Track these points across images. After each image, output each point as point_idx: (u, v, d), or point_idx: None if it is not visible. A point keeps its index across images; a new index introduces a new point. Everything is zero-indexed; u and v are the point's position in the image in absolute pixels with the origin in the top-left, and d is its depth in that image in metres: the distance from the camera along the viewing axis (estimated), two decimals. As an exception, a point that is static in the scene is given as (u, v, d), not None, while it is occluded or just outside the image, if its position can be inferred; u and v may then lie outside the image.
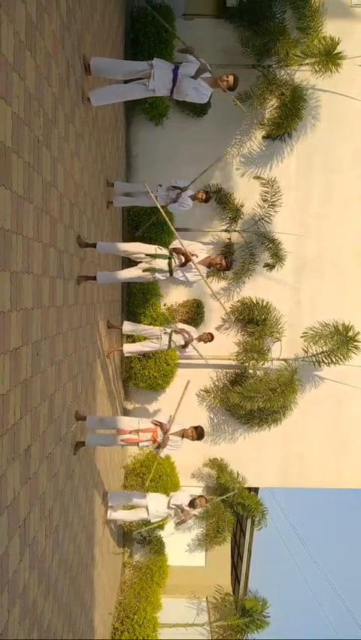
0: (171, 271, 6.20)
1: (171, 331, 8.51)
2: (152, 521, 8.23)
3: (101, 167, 6.77)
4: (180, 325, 8.75)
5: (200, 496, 7.91)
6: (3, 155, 2.83)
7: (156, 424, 6.46)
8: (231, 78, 5.48)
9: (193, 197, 8.03)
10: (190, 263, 6.19)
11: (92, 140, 5.93)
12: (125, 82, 5.73)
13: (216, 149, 11.14)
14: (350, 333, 10.60)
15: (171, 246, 6.36)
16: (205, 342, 8.71)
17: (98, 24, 6.23)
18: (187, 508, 7.80)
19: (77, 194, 5.06)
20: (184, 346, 8.56)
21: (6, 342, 2.99)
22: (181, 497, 7.99)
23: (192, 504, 7.81)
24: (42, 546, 3.93)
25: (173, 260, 6.18)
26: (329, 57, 10.24)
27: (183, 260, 6.17)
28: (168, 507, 7.98)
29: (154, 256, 6.12)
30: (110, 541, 8.94)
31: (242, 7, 10.56)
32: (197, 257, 6.32)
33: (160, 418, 6.58)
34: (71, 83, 4.58)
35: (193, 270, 6.33)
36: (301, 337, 10.85)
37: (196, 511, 8.07)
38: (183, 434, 6.55)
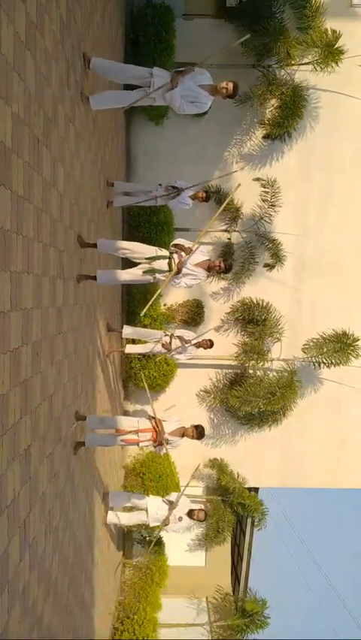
0: (171, 270, 6.18)
1: (171, 334, 8.49)
2: (151, 525, 8.15)
3: (101, 167, 6.77)
4: (178, 332, 8.69)
5: (200, 510, 7.79)
6: (3, 155, 2.83)
7: (153, 421, 6.43)
8: (230, 85, 5.40)
9: (193, 197, 8.02)
10: (184, 269, 6.14)
11: (92, 140, 5.93)
12: (125, 86, 5.73)
13: (216, 149, 11.15)
14: (350, 340, 10.61)
15: (173, 242, 6.33)
16: (205, 348, 8.66)
17: (98, 24, 6.23)
18: (178, 512, 7.71)
19: (77, 194, 5.05)
20: (168, 350, 8.49)
21: (6, 342, 2.99)
22: (180, 499, 7.88)
23: (190, 514, 7.72)
24: (42, 546, 3.92)
25: (173, 260, 6.16)
26: (330, 49, 10.21)
27: (177, 269, 6.12)
28: (162, 501, 7.95)
29: (154, 258, 6.10)
30: (110, 542, 8.94)
31: (242, 7, 10.56)
32: (192, 250, 6.26)
33: (152, 414, 6.58)
34: (71, 82, 4.59)
35: (191, 275, 6.30)
36: (302, 350, 10.84)
37: (190, 521, 7.94)
38: (183, 433, 6.53)
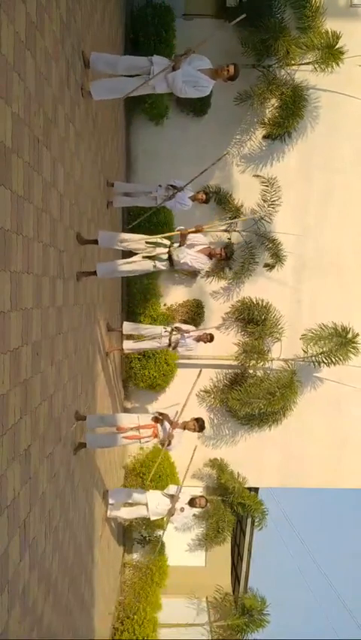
0: (170, 260, 6.19)
1: (171, 329, 8.51)
2: (151, 519, 8.22)
3: (101, 167, 6.77)
4: (176, 324, 8.76)
5: (201, 497, 7.89)
6: (3, 155, 2.83)
7: (157, 419, 6.44)
8: (232, 68, 5.42)
9: (193, 198, 8.02)
10: (187, 243, 6.21)
11: (92, 140, 5.93)
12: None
13: (216, 149, 11.11)
14: (349, 335, 10.61)
15: (177, 229, 6.38)
16: (205, 342, 8.68)
17: (98, 24, 6.23)
18: (180, 504, 7.78)
19: (77, 194, 5.05)
20: (173, 347, 8.54)
21: (6, 342, 2.99)
22: (180, 491, 7.94)
23: (191, 502, 7.80)
24: (42, 546, 3.92)
25: (172, 250, 6.18)
26: (330, 50, 10.21)
27: (180, 241, 6.19)
28: (162, 495, 8.00)
29: (155, 244, 6.12)
30: (110, 541, 8.94)
31: (242, 8, 10.55)
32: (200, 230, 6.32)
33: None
34: (71, 82, 4.59)
35: (193, 257, 6.32)
36: (300, 339, 10.84)
37: (195, 511, 8.04)
38: (184, 426, 6.52)
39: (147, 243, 6.15)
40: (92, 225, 5.99)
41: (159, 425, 6.40)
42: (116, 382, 9.44)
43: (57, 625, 4.54)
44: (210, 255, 6.50)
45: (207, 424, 11.38)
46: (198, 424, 6.52)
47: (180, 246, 6.18)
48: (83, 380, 5.66)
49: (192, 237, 6.32)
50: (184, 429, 6.53)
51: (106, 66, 5.46)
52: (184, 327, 8.61)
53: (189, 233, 6.17)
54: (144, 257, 6.18)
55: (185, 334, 8.44)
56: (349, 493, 18.68)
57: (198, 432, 6.60)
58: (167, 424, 6.43)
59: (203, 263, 6.50)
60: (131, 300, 10.47)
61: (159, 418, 6.44)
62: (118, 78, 5.67)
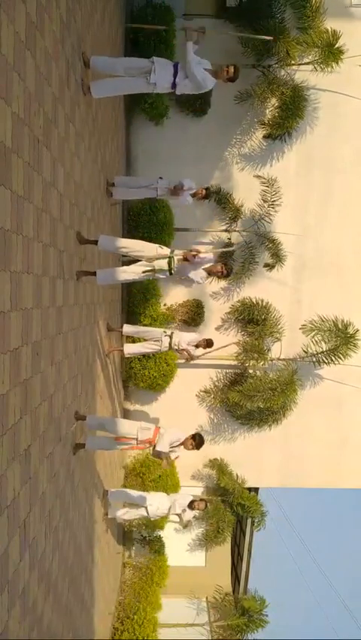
0: (170, 270, 6.21)
1: (172, 333, 8.52)
2: (151, 519, 8.22)
3: (101, 167, 6.77)
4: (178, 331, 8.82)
5: (201, 500, 7.88)
6: (3, 155, 2.83)
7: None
8: (231, 68, 5.54)
9: (193, 195, 8.03)
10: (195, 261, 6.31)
11: (92, 140, 5.93)
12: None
13: (216, 149, 11.15)
14: (350, 330, 10.58)
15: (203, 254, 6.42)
16: (203, 347, 8.70)
17: (98, 24, 6.23)
18: (185, 511, 7.82)
19: (77, 194, 5.05)
20: (178, 351, 8.58)
21: (6, 342, 2.99)
22: (181, 502, 7.96)
23: (191, 505, 7.81)
24: (42, 546, 3.92)
25: (172, 260, 6.19)
26: (330, 49, 10.21)
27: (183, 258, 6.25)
28: (164, 497, 8.03)
29: (155, 258, 6.14)
30: (110, 541, 8.94)
31: (242, 7, 10.56)
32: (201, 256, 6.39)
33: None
34: (71, 83, 4.59)
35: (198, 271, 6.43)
36: (300, 329, 10.82)
37: (194, 513, 8.06)
38: (182, 445, 6.47)
39: (147, 259, 6.18)
40: (92, 225, 5.99)
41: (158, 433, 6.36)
42: (116, 382, 9.44)
43: (57, 625, 4.54)
44: (209, 273, 6.61)
45: (207, 424, 11.45)
46: (196, 442, 6.32)
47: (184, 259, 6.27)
48: (83, 380, 5.66)
49: (200, 257, 6.43)
50: (181, 446, 6.44)
51: (105, 67, 5.50)
52: (184, 335, 8.63)
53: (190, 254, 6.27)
54: (143, 272, 6.21)
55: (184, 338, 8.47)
56: (349, 493, 18.71)
57: (197, 449, 6.44)
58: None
59: (201, 277, 6.61)
60: (131, 300, 10.47)
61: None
62: (118, 79, 5.71)
